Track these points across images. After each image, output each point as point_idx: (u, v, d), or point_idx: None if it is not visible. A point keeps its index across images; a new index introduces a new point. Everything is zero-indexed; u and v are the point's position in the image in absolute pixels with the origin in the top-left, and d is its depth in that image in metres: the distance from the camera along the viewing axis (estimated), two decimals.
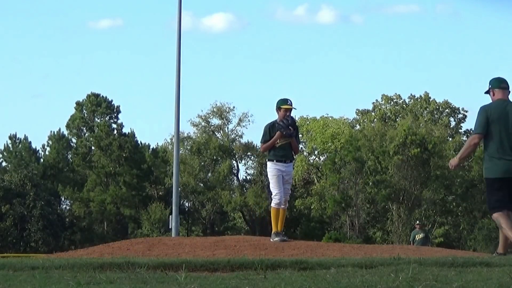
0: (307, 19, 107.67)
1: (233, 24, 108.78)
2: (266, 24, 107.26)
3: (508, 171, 9.63)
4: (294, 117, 12.21)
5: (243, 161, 74.72)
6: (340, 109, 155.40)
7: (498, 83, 9.92)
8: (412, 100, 79.13)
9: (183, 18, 54.50)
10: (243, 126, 73.28)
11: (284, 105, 12.01)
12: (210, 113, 73.11)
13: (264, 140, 12.15)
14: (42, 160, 75.97)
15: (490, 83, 9.98)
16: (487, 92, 10.02)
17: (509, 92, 9.91)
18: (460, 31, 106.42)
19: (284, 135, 11.91)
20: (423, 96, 78.58)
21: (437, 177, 65.93)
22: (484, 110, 9.78)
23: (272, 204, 12.05)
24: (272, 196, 12.11)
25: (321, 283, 5.79)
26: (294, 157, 12.72)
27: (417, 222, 32.59)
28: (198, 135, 72.89)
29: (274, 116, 12.19)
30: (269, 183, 12.22)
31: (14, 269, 7.36)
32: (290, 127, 11.94)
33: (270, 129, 12.06)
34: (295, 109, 12.06)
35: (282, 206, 12.05)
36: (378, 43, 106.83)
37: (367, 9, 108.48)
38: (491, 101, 9.97)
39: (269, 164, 12.12)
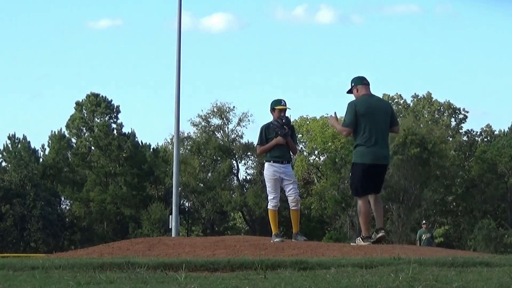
0: (306, 19, 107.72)
1: (233, 24, 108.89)
2: (266, 24, 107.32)
3: (375, 158, 10.56)
4: (289, 117, 12.04)
5: (243, 161, 74.78)
6: (340, 109, 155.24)
7: (360, 80, 10.82)
8: (415, 100, 79.11)
9: (183, 18, 54.47)
10: (243, 126, 73.36)
11: (278, 105, 11.88)
12: (210, 113, 73.17)
13: (260, 142, 12.03)
14: (41, 160, 75.93)
15: (353, 82, 10.82)
16: (349, 92, 10.86)
17: (369, 87, 10.81)
18: (460, 31, 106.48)
19: (279, 134, 11.81)
20: (425, 96, 78.60)
21: (437, 177, 65.92)
22: (352, 105, 10.65)
23: (269, 206, 11.92)
24: (268, 199, 12.01)
25: (321, 283, 5.79)
26: (293, 157, 12.62)
27: (424, 222, 32.07)
28: (198, 135, 72.91)
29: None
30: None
31: (14, 269, 7.34)
32: (284, 126, 11.85)
33: (265, 130, 11.92)
34: (289, 109, 11.93)
35: (295, 207, 11.89)
36: (378, 43, 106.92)
37: (367, 9, 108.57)
38: (354, 98, 10.81)
39: (266, 165, 11.94)
